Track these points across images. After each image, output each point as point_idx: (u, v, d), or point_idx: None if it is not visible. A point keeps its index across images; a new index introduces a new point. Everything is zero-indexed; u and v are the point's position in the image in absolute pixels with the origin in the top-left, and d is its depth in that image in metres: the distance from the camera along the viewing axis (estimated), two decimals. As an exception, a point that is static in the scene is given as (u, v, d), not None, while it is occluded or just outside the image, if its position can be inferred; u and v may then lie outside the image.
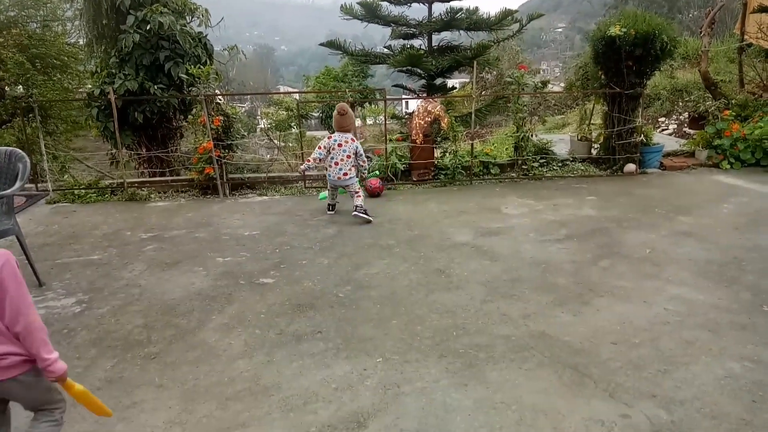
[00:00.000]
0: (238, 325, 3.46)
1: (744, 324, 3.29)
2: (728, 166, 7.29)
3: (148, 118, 7.95)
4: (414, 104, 12.78)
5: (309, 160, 5.71)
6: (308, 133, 20.56)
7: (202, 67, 6.85)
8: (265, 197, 6.74)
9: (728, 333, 3.19)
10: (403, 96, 11.99)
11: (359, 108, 21.91)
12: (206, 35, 8.82)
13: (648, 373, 2.80)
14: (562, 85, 20.35)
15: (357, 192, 5.66)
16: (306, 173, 6.47)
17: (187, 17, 8.68)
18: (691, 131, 9.59)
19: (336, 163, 5.60)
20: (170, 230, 5.43)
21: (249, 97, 25.34)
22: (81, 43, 11.16)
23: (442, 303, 3.68)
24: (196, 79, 6.55)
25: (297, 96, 13.86)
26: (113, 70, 7.74)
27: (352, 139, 5.69)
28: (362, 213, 5.52)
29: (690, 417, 2.46)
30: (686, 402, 2.57)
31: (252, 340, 3.28)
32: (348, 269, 4.33)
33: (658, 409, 2.52)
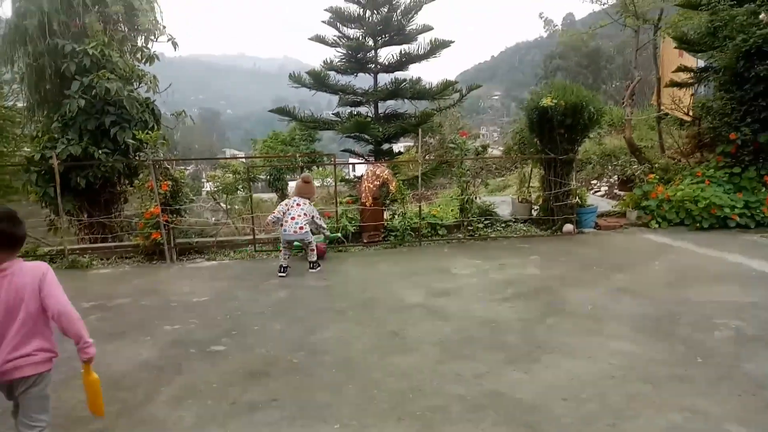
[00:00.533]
0: (189, 397, 3.34)
1: (681, 376, 3.47)
2: (656, 225, 7.84)
3: (91, 182, 7.80)
4: (361, 168, 13.10)
5: (273, 213, 6.08)
6: (254, 195, 20.53)
7: (150, 132, 6.86)
8: (213, 262, 6.64)
9: (668, 385, 3.36)
10: (351, 160, 12.29)
11: (306, 170, 22.03)
12: (154, 100, 8.87)
13: (597, 428, 2.90)
14: (501, 148, 21.42)
15: (311, 247, 6.08)
16: (272, 224, 6.49)
17: (135, 83, 8.74)
18: (621, 193, 10.28)
19: (293, 218, 5.91)
20: (115, 299, 5.24)
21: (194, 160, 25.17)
22: (19, 105, 10.92)
23: (397, 366, 3.70)
24: (144, 144, 6.54)
25: (244, 160, 13.92)
26: (55, 135, 7.62)
27: (310, 202, 6.18)
28: (316, 268, 6.08)
29: (639, 469, 2.56)
30: (634, 454, 2.67)
31: (204, 411, 3.17)
32: (301, 334, 4.30)
33: (609, 463, 2.60)
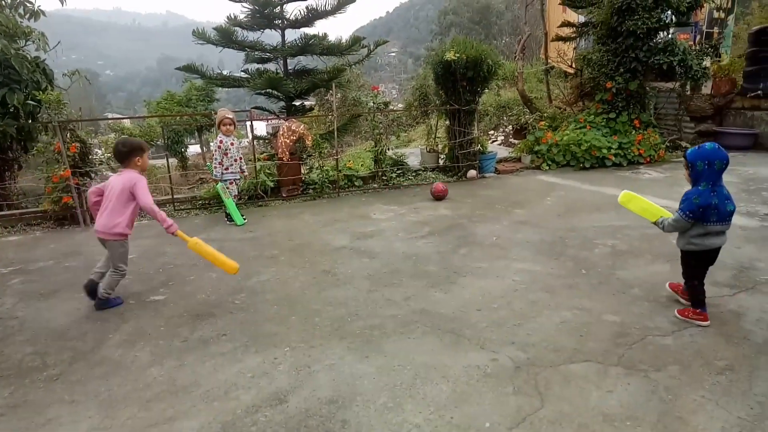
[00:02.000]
0: (140, 339, 3.53)
1: (571, 284, 4.19)
2: (547, 167, 8.75)
3: (-21, 150, 7.26)
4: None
5: (215, 163, 6.30)
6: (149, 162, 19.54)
7: (42, 93, 6.50)
8: (132, 223, 6.57)
9: (560, 292, 4.05)
10: (266, 117, 12.19)
11: (206, 131, 21.30)
12: (44, 60, 8.29)
13: (507, 328, 3.50)
14: (401, 105, 22.03)
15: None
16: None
17: (21, 41, 8.09)
18: (515, 141, 11.21)
19: (236, 160, 6.36)
20: (35, 262, 5.13)
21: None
22: None
23: (333, 297, 4.11)
24: (46, 105, 6.22)
25: (156, 120, 13.31)
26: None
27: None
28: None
29: (539, 353, 3.17)
30: (536, 344, 3.29)
31: (158, 350, 3.39)
32: (238, 279, 4.55)
33: (517, 351, 3.20)
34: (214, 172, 6.24)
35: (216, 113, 6.39)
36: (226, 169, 6.29)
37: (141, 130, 18.59)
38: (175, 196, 7.17)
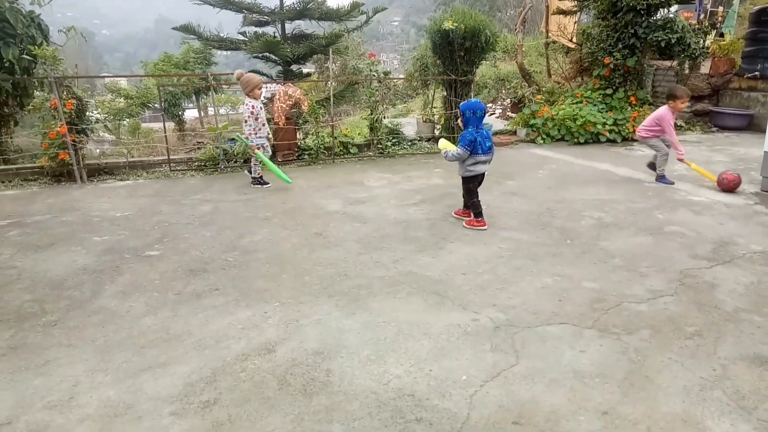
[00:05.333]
0: (135, 291, 3.65)
1: (555, 253, 4.31)
2: (542, 141, 8.81)
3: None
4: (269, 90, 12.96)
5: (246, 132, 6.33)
6: (144, 125, 19.37)
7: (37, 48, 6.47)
8: (128, 182, 6.65)
9: (544, 260, 4.17)
10: (265, 82, 12.12)
11: (203, 96, 21.12)
12: (39, 14, 8.21)
13: (490, 291, 3.63)
14: (401, 76, 21.90)
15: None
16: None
17: (15, -7, 7.98)
18: (513, 114, 11.22)
19: (264, 125, 6.37)
20: (31, 216, 5.22)
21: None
22: None
23: (324, 258, 4.22)
24: (42, 61, 6.21)
25: (154, 80, 13.22)
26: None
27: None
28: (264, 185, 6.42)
29: (518, 315, 3.31)
30: (516, 306, 3.42)
31: (152, 301, 3.52)
32: (232, 238, 4.66)
33: (497, 313, 3.33)
34: (251, 139, 6.24)
35: (242, 75, 6.28)
36: (255, 133, 6.29)
37: (138, 92, 18.46)
38: (171, 157, 7.21)
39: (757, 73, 9.69)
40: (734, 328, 3.11)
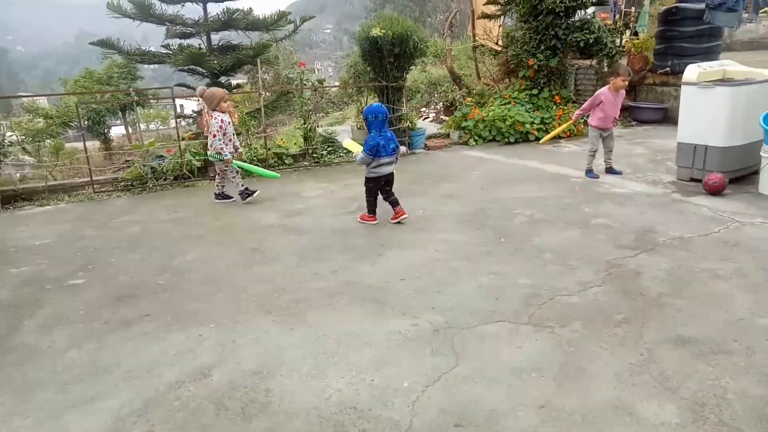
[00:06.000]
0: (57, 324, 3.44)
1: (489, 252, 4.40)
2: (474, 143, 9.01)
3: None
4: (190, 105, 12.60)
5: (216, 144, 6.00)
6: (69, 145, 18.42)
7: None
8: (48, 207, 6.27)
9: (480, 260, 4.25)
10: (187, 95, 11.77)
11: (133, 112, 20.31)
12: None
13: (428, 295, 3.66)
14: (336, 83, 21.91)
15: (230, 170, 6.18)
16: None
17: None
18: (446, 117, 11.42)
19: (230, 139, 6.14)
20: (-62, 250, 4.82)
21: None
22: None
23: (260, 274, 4.13)
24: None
25: (74, 98, 12.57)
26: None
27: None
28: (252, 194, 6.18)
29: (457, 316, 3.35)
30: (454, 308, 3.46)
31: (77, 333, 3.32)
32: (163, 260, 4.48)
33: (436, 316, 3.36)
34: (224, 153, 5.96)
35: (205, 90, 6.01)
36: (225, 146, 6.03)
37: (58, 111, 17.51)
38: (94, 178, 6.86)
39: (668, 68, 10.31)
40: (658, 312, 3.28)
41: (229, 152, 6.03)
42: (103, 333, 3.31)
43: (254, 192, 6.15)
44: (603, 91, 6.35)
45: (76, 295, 3.86)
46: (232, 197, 6.22)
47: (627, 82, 6.28)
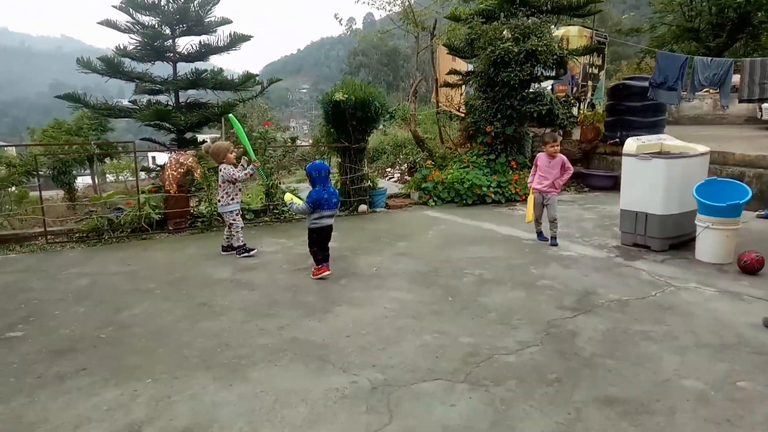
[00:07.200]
0: (-13, 379, 3.34)
1: (437, 311, 4.49)
2: (433, 204, 9.28)
3: None
4: (162, 157, 12.70)
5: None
6: (33, 194, 18.18)
7: None
8: (-5, 257, 6.14)
9: (426, 318, 4.33)
10: (150, 150, 11.86)
11: (98, 163, 20.24)
12: None
13: (371, 352, 3.71)
14: (310, 141, 22.34)
15: (235, 225, 6.25)
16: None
17: None
18: (410, 178, 11.75)
19: (240, 189, 6.47)
20: None
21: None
22: None
23: (206, 329, 4.11)
24: None
25: (35, 149, 12.51)
26: None
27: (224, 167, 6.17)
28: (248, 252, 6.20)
29: (397, 374, 3.39)
30: (396, 365, 3.51)
31: (7, 388, 3.23)
32: (108, 314, 4.42)
33: (376, 373, 3.40)
34: (230, 206, 6.21)
35: (210, 147, 6.28)
36: (232, 199, 6.19)
37: (21, 159, 17.37)
38: (48, 228, 6.78)
39: (617, 139, 10.94)
40: (590, 372, 3.39)
41: (236, 204, 6.26)
42: (35, 387, 3.23)
43: (252, 250, 6.23)
44: (539, 155, 6.62)
45: (12, 348, 3.77)
46: (254, 248, 6.30)
47: (556, 148, 6.44)
